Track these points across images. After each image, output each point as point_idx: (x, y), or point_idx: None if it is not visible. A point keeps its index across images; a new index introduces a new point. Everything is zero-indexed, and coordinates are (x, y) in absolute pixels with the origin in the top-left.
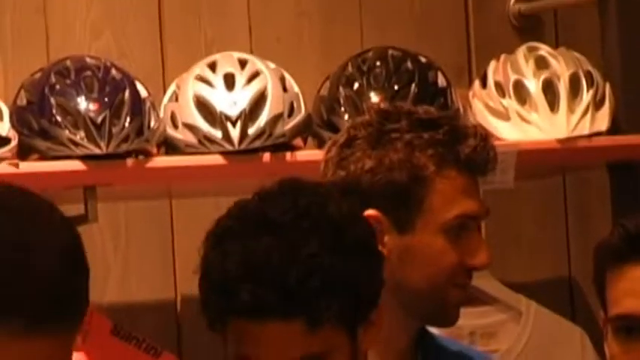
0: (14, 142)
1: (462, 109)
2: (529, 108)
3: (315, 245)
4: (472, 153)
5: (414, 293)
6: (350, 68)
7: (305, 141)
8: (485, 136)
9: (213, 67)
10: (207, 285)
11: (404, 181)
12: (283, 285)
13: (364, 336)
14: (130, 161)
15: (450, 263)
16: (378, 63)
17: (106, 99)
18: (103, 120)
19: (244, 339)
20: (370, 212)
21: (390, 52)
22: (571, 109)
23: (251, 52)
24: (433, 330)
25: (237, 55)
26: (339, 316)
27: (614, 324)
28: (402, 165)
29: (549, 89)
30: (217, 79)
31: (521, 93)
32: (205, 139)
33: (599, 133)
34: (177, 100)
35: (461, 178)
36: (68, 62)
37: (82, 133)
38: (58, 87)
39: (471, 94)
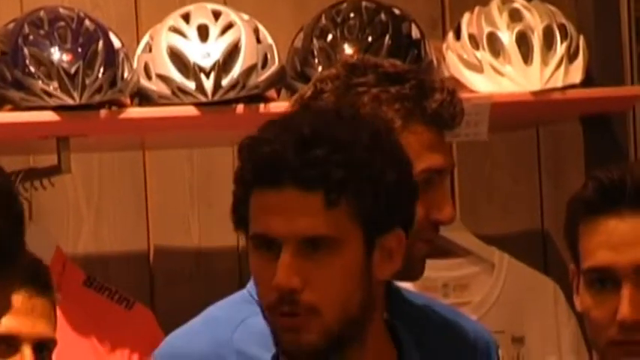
0: None
1: (435, 62)
2: (503, 60)
3: (350, 135)
4: (439, 107)
5: None
6: (324, 20)
7: (279, 93)
8: (452, 91)
9: (186, 18)
10: (240, 157)
11: None
12: (308, 152)
13: (379, 261)
14: (103, 112)
15: (417, 217)
16: (351, 15)
17: (80, 50)
18: (77, 71)
19: (263, 211)
20: None
21: (364, 3)
22: (545, 62)
23: (225, 4)
24: (406, 283)
25: (210, 6)
26: (356, 204)
27: (587, 276)
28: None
29: (523, 42)
30: (191, 31)
31: (494, 45)
32: (179, 91)
33: (572, 86)
34: (150, 51)
35: (427, 133)
36: (42, 13)
37: (55, 84)
38: (31, 37)
39: (444, 46)
